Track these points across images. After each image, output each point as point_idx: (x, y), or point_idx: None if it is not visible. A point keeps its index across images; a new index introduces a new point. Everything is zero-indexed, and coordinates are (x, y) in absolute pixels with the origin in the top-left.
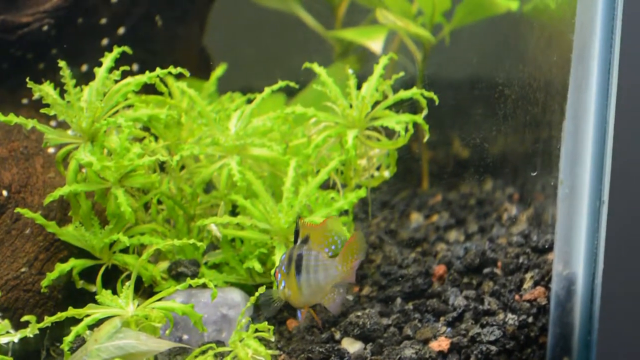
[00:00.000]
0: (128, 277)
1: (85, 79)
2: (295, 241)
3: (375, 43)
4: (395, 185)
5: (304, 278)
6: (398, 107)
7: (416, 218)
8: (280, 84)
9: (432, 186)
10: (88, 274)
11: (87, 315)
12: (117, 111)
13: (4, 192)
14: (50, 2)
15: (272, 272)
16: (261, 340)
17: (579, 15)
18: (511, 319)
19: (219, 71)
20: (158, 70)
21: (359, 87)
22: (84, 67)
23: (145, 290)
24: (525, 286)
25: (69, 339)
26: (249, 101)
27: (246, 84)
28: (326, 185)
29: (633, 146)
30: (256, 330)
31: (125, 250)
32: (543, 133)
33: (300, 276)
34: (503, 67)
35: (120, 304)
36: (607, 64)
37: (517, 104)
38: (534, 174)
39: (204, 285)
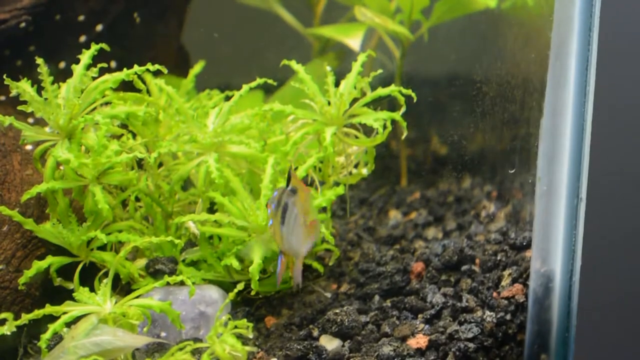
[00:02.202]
0: (106, 275)
1: (63, 75)
2: (287, 184)
3: (353, 40)
4: (373, 183)
5: (285, 231)
6: (376, 104)
7: (394, 215)
8: (259, 81)
9: (411, 183)
10: (66, 272)
11: (65, 313)
12: (94, 108)
13: None
14: None
15: (265, 203)
16: (239, 337)
17: (556, 12)
18: (489, 316)
19: (197, 68)
20: (136, 67)
21: (337, 84)
22: (62, 64)
23: (123, 287)
24: (503, 283)
25: (46, 336)
26: (227, 98)
27: (224, 81)
28: (304, 183)
29: (611, 144)
30: (235, 327)
31: (103, 248)
32: (521, 130)
33: (283, 227)
34: (481, 65)
35: (98, 302)
36: (585, 61)
37: (495, 101)
38: (512, 171)
39: (182, 283)
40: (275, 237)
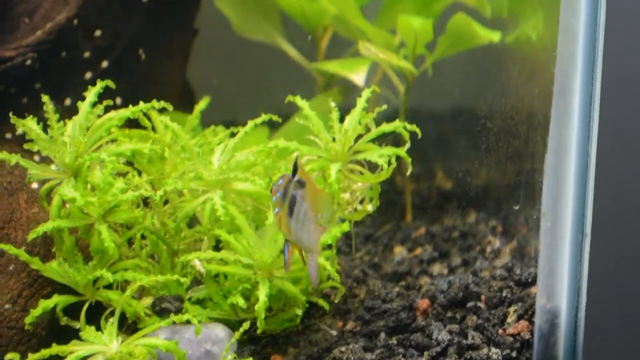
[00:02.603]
0: (112, 314)
1: (68, 112)
2: (293, 175)
3: (358, 75)
4: (378, 218)
5: (293, 223)
6: (381, 139)
7: (400, 251)
8: (264, 117)
9: (416, 219)
10: (72, 311)
11: (71, 352)
12: (100, 146)
13: None
14: (34, 36)
15: (270, 189)
16: None
17: (560, 48)
18: (495, 353)
19: (202, 104)
20: (141, 105)
21: (341, 120)
22: (68, 101)
23: (129, 326)
24: (509, 320)
25: None
26: (232, 135)
27: (229, 117)
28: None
29: (615, 180)
30: None
31: (109, 286)
32: (526, 165)
33: (291, 218)
34: (485, 100)
35: (104, 341)
36: (589, 97)
37: (499, 137)
38: (517, 207)
39: (188, 321)
40: (282, 227)
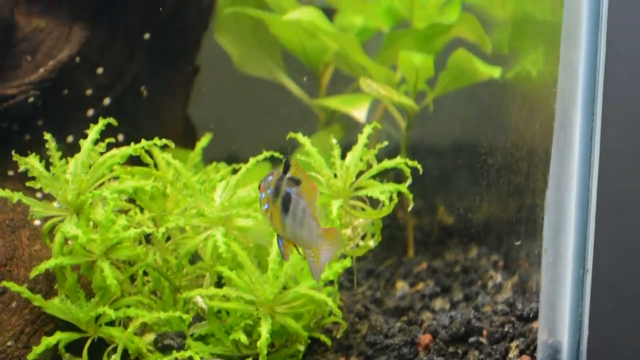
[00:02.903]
0: (114, 350)
1: (71, 149)
2: (284, 172)
3: (359, 111)
4: (380, 253)
5: (289, 221)
6: (383, 175)
7: (402, 286)
8: (265, 154)
9: (418, 254)
10: (74, 347)
11: None
12: (102, 183)
13: None
14: (36, 74)
15: (258, 185)
16: None
17: (560, 83)
18: None
19: (204, 141)
20: (143, 142)
21: (343, 156)
22: (70, 138)
23: None
24: (510, 355)
25: None
26: (234, 171)
27: (231, 153)
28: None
29: (616, 215)
30: None
31: (111, 323)
32: (527, 201)
33: (286, 216)
34: (486, 135)
35: None
36: (589, 133)
37: (500, 171)
38: (518, 242)
39: (190, 358)
40: (273, 224)
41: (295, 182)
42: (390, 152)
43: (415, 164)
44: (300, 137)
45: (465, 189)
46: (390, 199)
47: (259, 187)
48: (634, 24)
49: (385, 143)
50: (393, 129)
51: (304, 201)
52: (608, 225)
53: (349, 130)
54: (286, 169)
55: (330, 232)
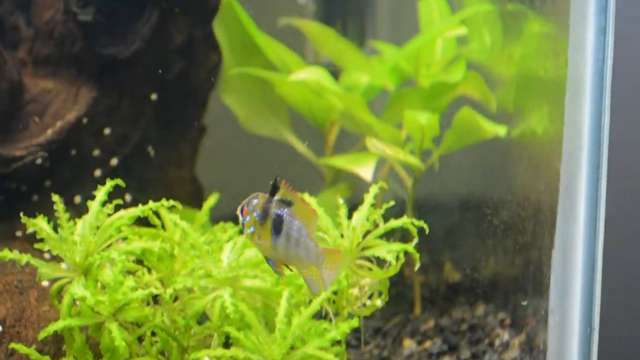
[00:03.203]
0: None
1: (78, 210)
2: (272, 195)
3: (365, 170)
4: (387, 311)
5: (282, 243)
6: (389, 233)
7: (409, 345)
8: None
9: (424, 311)
10: None
11: None
12: (110, 244)
13: None
14: (44, 135)
15: (238, 210)
16: None
17: (565, 143)
18: None
19: (211, 201)
20: (151, 204)
21: (349, 215)
22: (77, 199)
23: None
24: None
25: None
26: (241, 231)
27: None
28: (319, 315)
29: (622, 275)
30: None
31: None
32: (533, 259)
33: (278, 238)
34: (492, 192)
35: None
36: (595, 194)
37: (507, 229)
38: (525, 302)
39: None
40: (261, 247)
41: (287, 203)
42: (397, 209)
43: (421, 223)
44: (307, 197)
45: (472, 246)
46: (397, 259)
47: (241, 212)
48: (639, 84)
49: (392, 203)
50: (399, 187)
51: (298, 222)
52: (614, 284)
53: (355, 189)
54: (274, 191)
55: (332, 252)
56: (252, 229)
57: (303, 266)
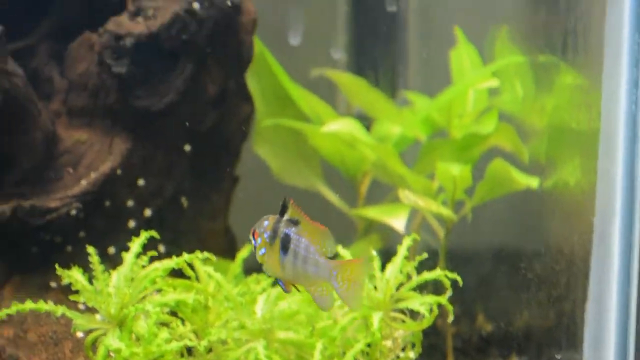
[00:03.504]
0: None
1: (111, 261)
2: (281, 215)
3: (398, 222)
4: None
5: (290, 261)
6: (422, 286)
7: None
8: None
9: None
10: None
11: None
12: (144, 296)
13: None
14: (78, 187)
15: (250, 232)
16: None
17: (598, 195)
18: None
19: (244, 252)
20: (185, 256)
21: (382, 267)
22: (111, 250)
23: None
24: None
25: None
26: (275, 283)
27: None
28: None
29: None
30: None
31: None
32: (567, 311)
33: (285, 257)
34: (525, 243)
35: None
36: (628, 249)
37: (540, 281)
38: (559, 356)
39: None
40: (271, 268)
41: (294, 222)
42: (429, 260)
43: (455, 276)
44: (340, 249)
45: (505, 298)
46: (430, 310)
47: (253, 234)
48: None
49: (425, 255)
50: (431, 238)
51: (305, 239)
52: None
53: (387, 239)
54: (283, 211)
55: (348, 264)
56: (263, 251)
57: (311, 283)
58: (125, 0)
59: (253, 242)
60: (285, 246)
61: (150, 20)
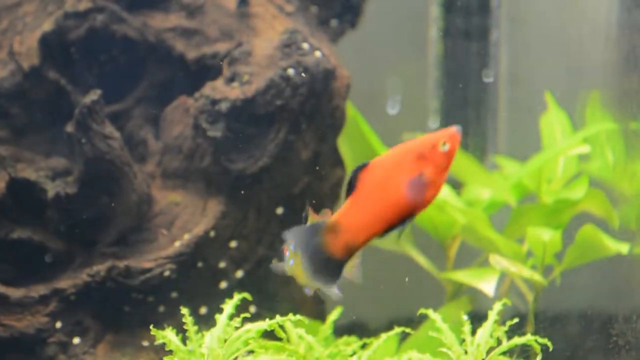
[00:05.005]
0: None
1: (203, 321)
2: (304, 223)
3: (488, 285)
4: None
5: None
6: (512, 350)
7: None
8: (397, 330)
9: None
10: None
11: None
12: (237, 357)
13: None
14: (172, 248)
15: (282, 247)
16: None
17: None
18: None
19: (334, 314)
20: (278, 318)
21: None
22: (203, 310)
23: None
24: None
25: None
26: (363, 345)
27: (358, 316)
28: None
29: None
30: None
31: None
32: None
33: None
34: (616, 310)
35: None
36: None
37: (631, 346)
38: None
39: None
40: (298, 277)
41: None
42: (517, 323)
43: (545, 341)
44: (431, 314)
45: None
46: None
47: (284, 249)
48: None
49: (516, 320)
50: (519, 301)
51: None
52: None
53: (475, 303)
54: (305, 219)
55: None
56: (292, 262)
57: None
58: (221, 66)
59: (285, 256)
60: (307, 251)
61: (245, 85)
